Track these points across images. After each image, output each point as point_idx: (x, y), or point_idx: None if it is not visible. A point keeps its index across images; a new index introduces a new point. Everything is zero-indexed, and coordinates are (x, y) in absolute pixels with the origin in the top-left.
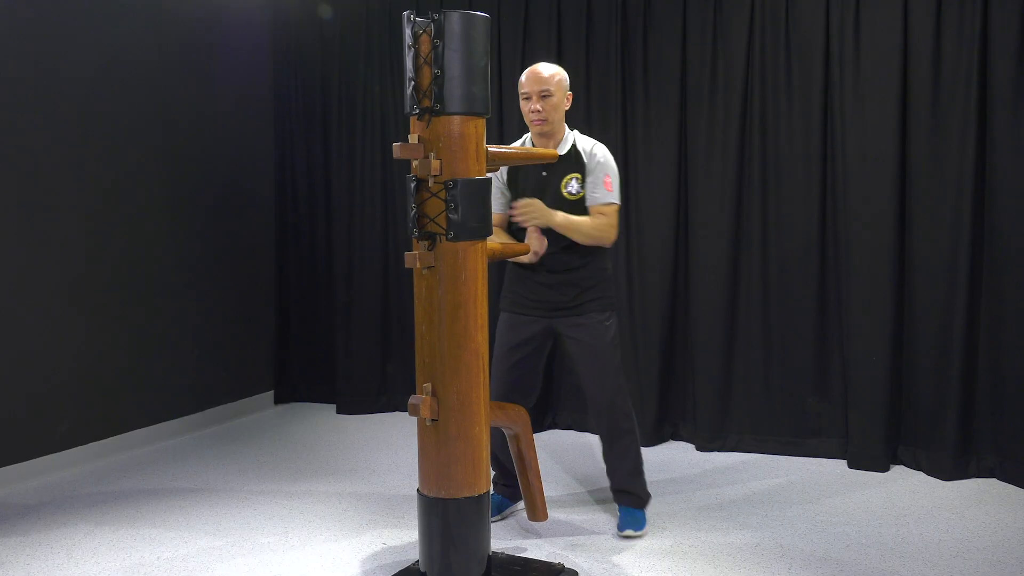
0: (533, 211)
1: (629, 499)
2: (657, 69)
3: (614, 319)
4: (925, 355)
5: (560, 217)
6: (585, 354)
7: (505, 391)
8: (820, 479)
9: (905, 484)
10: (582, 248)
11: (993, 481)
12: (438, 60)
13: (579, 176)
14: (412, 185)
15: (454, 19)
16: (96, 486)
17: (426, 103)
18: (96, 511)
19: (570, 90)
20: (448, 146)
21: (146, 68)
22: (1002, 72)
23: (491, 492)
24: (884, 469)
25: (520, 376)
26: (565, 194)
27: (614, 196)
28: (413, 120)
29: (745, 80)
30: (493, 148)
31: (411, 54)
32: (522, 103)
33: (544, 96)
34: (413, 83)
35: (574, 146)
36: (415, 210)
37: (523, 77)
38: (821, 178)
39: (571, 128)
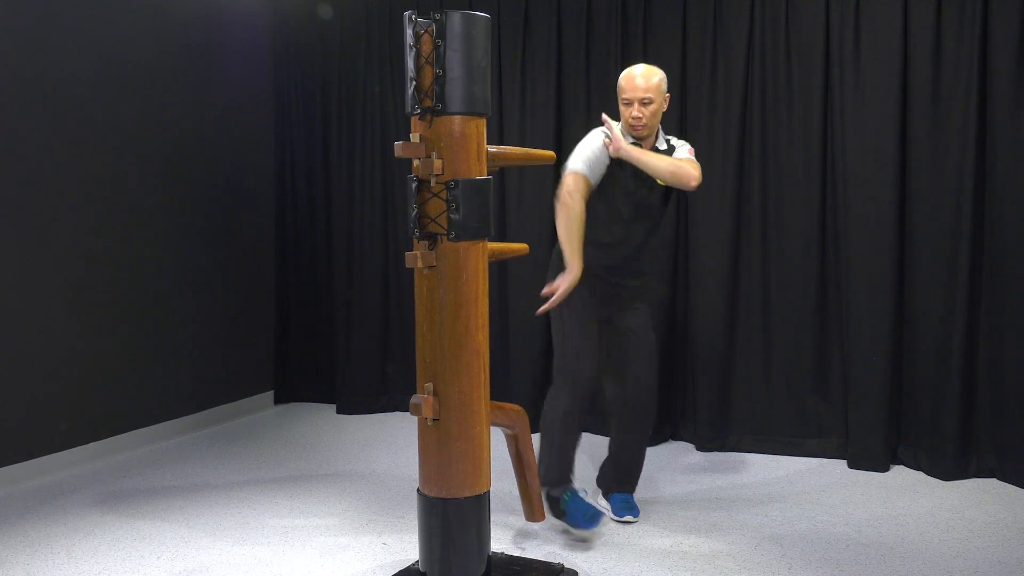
0: (619, 145)
1: (629, 486)
2: None
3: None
4: (925, 355)
5: (635, 151)
6: (634, 339)
7: (599, 362)
8: (820, 479)
9: (905, 484)
10: (651, 244)
11: (993, 481)
12: (440, 60)
13: None
14: (413, 185)
15: (455, 19)
16: (96, 486)
17: (427, 103)
18: (96, 511)
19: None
20: (449, 146)
21: (146, 68)
22: (1002, 72)
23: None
24: (884, 469)
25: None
26: (661, 183)
27: (694, 158)
28: (414, 120)
29: (745, 80)
30: (492, 148)
31: (412, 54)
32: (622, 108)
33: (646, 103)
34: (415, 83)
35: (668, 141)
36: (416, 210)
37: (623, 82)
38: (821, 178)
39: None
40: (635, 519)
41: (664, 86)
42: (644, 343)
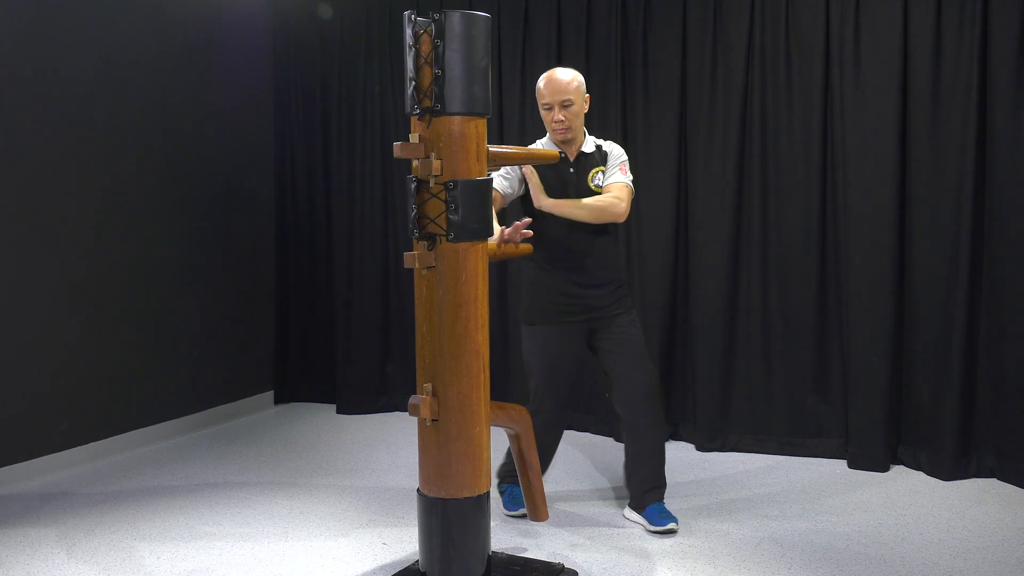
0: (539, 201)
1: (658, 493)
2: (657, 69)
3: (637, 317)
4: (925, 355)
5: (551, 202)
6: (625, 345)
7: (565, 399)
8: (820, 479)
9: (905, 484)
10: (613, 251)
11: (993, 481)
12: (439, 60)
13: (603, 169)
14: (412, 186)
15: (455, 19)
16: (96, 486)
17: (427, 103)
18: (96, 511)
19: (587, 92)
20: (449, 146)
21: (146, 68)
22: (1002, 72)
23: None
24: (884, 469)
25: (573, 382)
26: (592, 187)
27: (628, 178)
28: (414, 120)
29: (745, 80)
30: (493, 148)
31: (412, 54)
32: (543, 112)
33: (565, 106)
34: (414, 83)
35: (596, 144)
36: (415, 211)
37: (541, 85)
38: (821, 178)
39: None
40: (677, 525)
41: (583, 88)
42: (631, 349)
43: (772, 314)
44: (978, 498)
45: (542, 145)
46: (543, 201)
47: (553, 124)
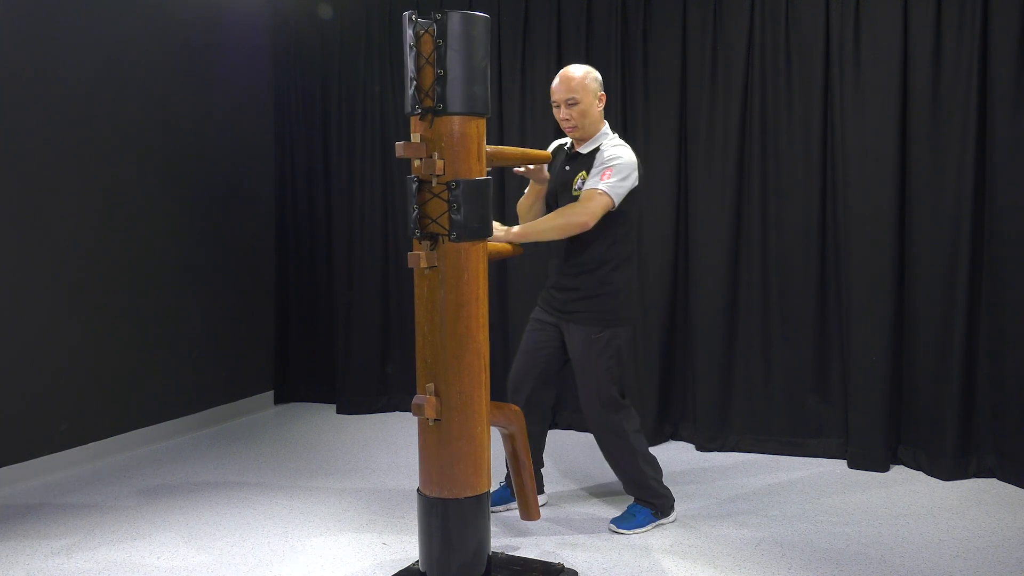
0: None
1: (632, 493)
2: (657, 69)
3: (608, 334)
4: (925, 355)
5: (516, 230)
6: (576, 365)
7: (533, 383)
8: (820, 479)
9: (905, 484)
10: (586, 258)
11: (993, 481)
12: (440, 60)
13: (586, 175)
14: (414, 186)
15: (455, 19)
16: (96, 486)
17: (428, 103)
18: (97, 511)
19: (602, 90)
20: (450, 146)
21: (146, 68)
22: (1002, 72)
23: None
24: (884, 469)
25: (545, 369)
26: (574, 191)
27: (604, 185)
28: (415, 120)
29: (745, 80)
30: (490, 148)
31: (413, 54)
32: (553, 110)
33: (571, 104)
34: (415, 83)
35: (599, 145)
36: (417, 211)
37: (553, 82)
38: (821, 178)
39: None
40: (620, 531)
41: (594, 85)
42: (579, 369)
43: (772, 314)
44: (978, 498)
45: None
46: (503, 236)
47: (561, 122)
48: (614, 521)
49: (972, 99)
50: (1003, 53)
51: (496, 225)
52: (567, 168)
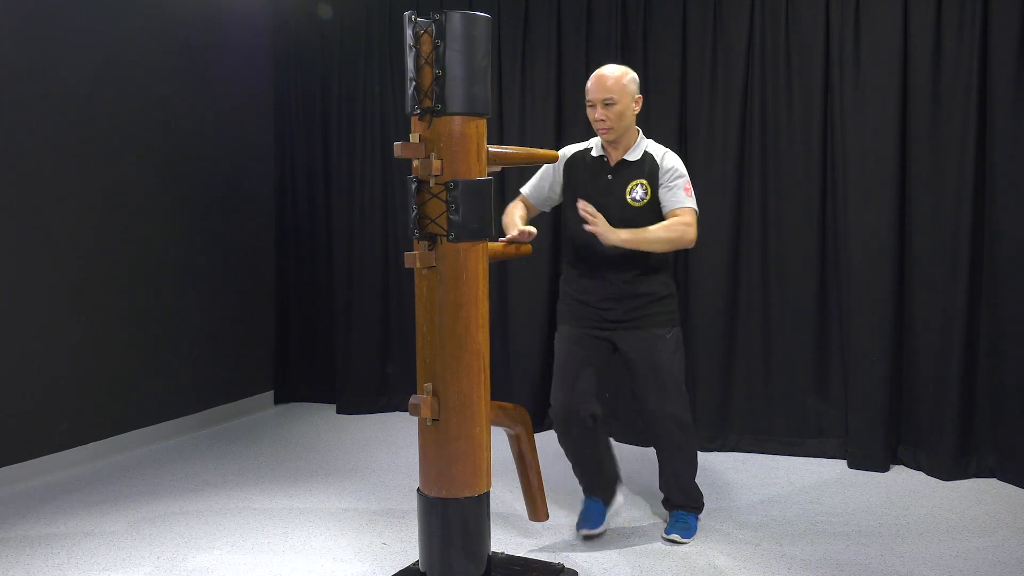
0: (598, 227)
1: (681, 504)
2: (657, 69)
3: (675, 332)
4: (925, 355)
5: (626, 234)
6: (642, 367)
7: (586, 398)
8: (820, 479)
9: (905, 484)
10: (652, 263)
11: (993, 481)
12: (439, 60)
13: (645, 183)
14: (413, 186)
15: (455, 20)
16: (96, 486)
17: (427, 103)
18: (96, 511)
19: (639, 93)
20: (449, 146)
21: (146, 68)
22: (1002, 72)
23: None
24: (884, 469)
25: (593, 384)
26: (629, 200)
27: (693, 202)
28: (414, 120)
29: (745, 80)
30: (493, 148)
31: (412, 54)
32: (588, 110)
33: (608, 104)
34: (414, 83)
35: (646, 152)
36: (416, 211)
37: (588, 83)
38: (821, 178)
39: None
40: (683, 539)
41: (632, 87)
42: (651, 372)
43: (772, 314)
44: (978, 498)
45: (596, 144)
46: (612, 237)
47: (595, 123)
48: (671, 532)
49: (972, 99)
50: (1003, 53)
51: (601, 219)
52: (609, 177)
